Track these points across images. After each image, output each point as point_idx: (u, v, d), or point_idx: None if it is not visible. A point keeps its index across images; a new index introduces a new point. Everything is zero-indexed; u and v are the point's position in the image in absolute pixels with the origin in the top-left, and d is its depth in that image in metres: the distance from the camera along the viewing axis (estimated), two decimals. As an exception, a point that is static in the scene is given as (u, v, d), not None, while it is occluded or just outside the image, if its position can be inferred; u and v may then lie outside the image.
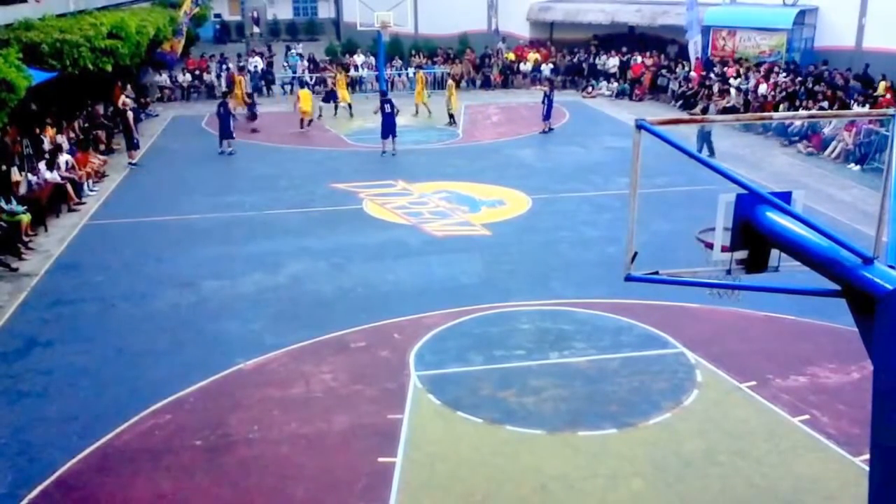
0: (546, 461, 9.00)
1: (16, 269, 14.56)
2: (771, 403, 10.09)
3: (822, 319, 11.76)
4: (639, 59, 33.73)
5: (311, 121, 26.70)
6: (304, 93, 27.11)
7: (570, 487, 8.55)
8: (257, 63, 34.79)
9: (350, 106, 28.64)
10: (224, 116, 23.18)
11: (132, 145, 22.48)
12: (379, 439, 9.36)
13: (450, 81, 28.78)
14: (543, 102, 25.85)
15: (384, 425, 9.64)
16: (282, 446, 9.28)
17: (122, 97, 25.52)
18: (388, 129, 22.76)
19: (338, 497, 8.39)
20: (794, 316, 12.24)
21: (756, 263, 6.47)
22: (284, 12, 55.04)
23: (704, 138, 21.97)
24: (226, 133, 23.33)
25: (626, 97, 32.32)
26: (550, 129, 25.94)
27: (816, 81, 25.88)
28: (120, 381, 10.71)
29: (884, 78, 24.95)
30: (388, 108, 22.70)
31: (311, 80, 32.93)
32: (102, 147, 23.43)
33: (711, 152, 21.66)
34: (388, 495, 8.40)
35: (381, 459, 8.98)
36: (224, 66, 34.25)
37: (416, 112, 28.77)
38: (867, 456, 5.98)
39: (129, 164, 22.13)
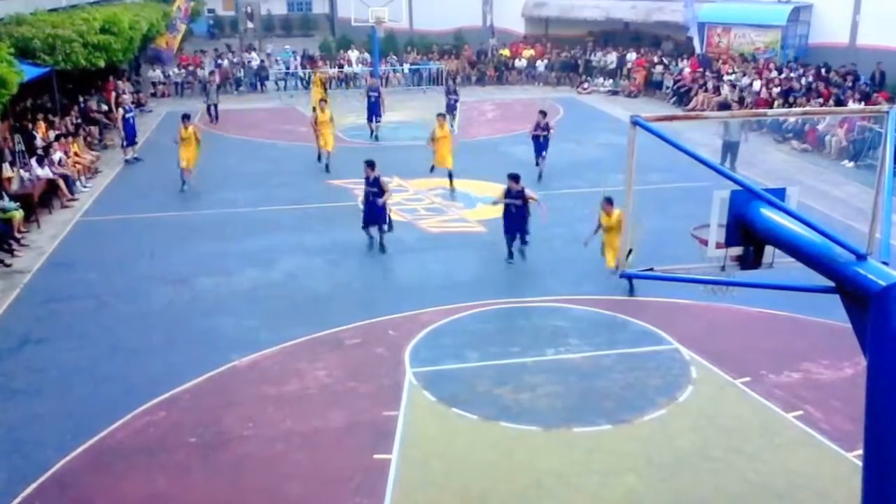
0: (541, 457, 9.01)
1: (8, 266, 14.50)
2: (765, 399, 10.11)
3: (816, 316, 11.75)
4: (634, 55, 33.73)
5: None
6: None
7: (564, 483, 8.56)
8: (252, 59, 34.70)
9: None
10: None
11: (129, 141, 22.27)
12: (374, 436, 9.35)
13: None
14: (537, 137, 19.86)
15: (379, 422, 9.63)
16: (277, 443, 9.26)
17: (123, 96, 25.26)
18: None
19: (333, 494, 8.38)
20: (788, 312, 12.25)
21: (750, 260, 6.46)
22: (278, 8, 54.89)
23: (731, 148, 19.95)
24: None
25: (621, 93, 32.30)
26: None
27: (818, 77, 25.91)
28: (114, 378, 10.69)
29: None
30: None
31: (304, 75, 32.84)
32: (95, 143, 23.27)
33: (733, 160, 19.97)
34: (383, 492, 8.39)
35: (376, 456, 8.97)
36: (218, 63, 34.14)
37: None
38: (861, 451, 5.97)
39: (125, 160, 21.99)
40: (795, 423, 9.63)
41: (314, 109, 25.86)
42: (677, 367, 10.92)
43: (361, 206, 15.21)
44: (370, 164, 14.96)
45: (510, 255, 14.53)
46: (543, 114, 19.96)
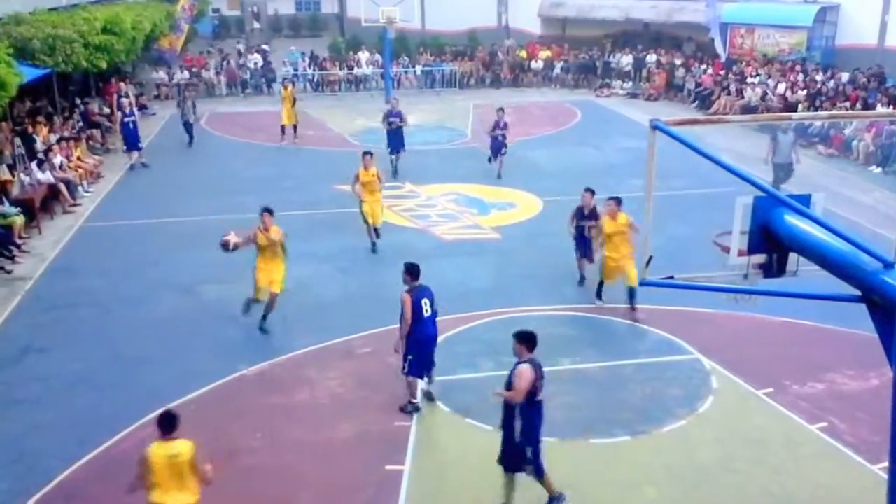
0: (558, 469, 8.77)
1: (9, 273, 14.36)
2: (788, 410, 9.92)
3: (842, 325, 11.51)
4: (654, 56, 33.41)
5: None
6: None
7: (582, 496, 8.38)
8: (257, 60, 34.55)
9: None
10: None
11: (131, 146, 21.86)
12: (386, 447, 9.22)
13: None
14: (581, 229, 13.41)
15: (392, 432, 9.49)
16: (286, 454, 9.14)
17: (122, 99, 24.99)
18: None
19: (344, 506, 8.22)
20: (812, 321, 12.00)
21: (774, 268, 6.43)
22: (286, 7, 54.31)
23: (783, 171, 18.07)
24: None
25: (641, 96, 32.00)
26: None
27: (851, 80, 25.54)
28: (118, 387, 10.55)
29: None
30: None
31: (313, 78, 32.71)
32: (98, 146, 23.14)
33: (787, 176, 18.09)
34: (395, 504, 8.25)
35: (388, 467, 8.85)
36: (224, 63, 34.08)
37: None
38: (886, 464, 5.91)
39: (130, 165, 21.71)
40: (819, 434, 9.44)
41: (283, 129, 24.38)
42: (698, 377, 10.72)
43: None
44: (410, 271, 9.99)
45: None
46: (591, 193, 13.44)
